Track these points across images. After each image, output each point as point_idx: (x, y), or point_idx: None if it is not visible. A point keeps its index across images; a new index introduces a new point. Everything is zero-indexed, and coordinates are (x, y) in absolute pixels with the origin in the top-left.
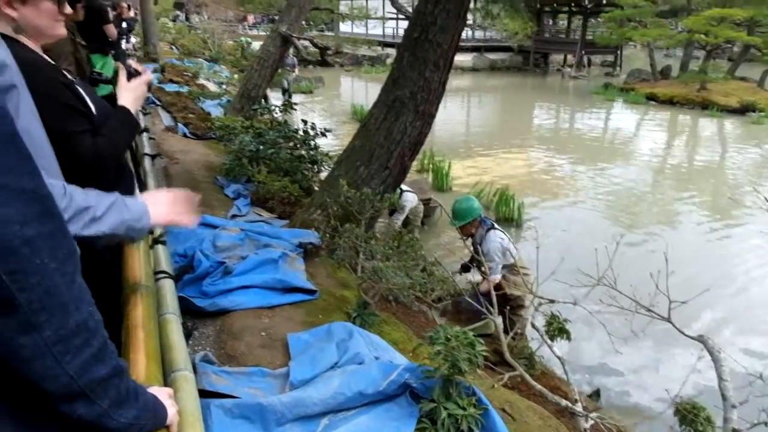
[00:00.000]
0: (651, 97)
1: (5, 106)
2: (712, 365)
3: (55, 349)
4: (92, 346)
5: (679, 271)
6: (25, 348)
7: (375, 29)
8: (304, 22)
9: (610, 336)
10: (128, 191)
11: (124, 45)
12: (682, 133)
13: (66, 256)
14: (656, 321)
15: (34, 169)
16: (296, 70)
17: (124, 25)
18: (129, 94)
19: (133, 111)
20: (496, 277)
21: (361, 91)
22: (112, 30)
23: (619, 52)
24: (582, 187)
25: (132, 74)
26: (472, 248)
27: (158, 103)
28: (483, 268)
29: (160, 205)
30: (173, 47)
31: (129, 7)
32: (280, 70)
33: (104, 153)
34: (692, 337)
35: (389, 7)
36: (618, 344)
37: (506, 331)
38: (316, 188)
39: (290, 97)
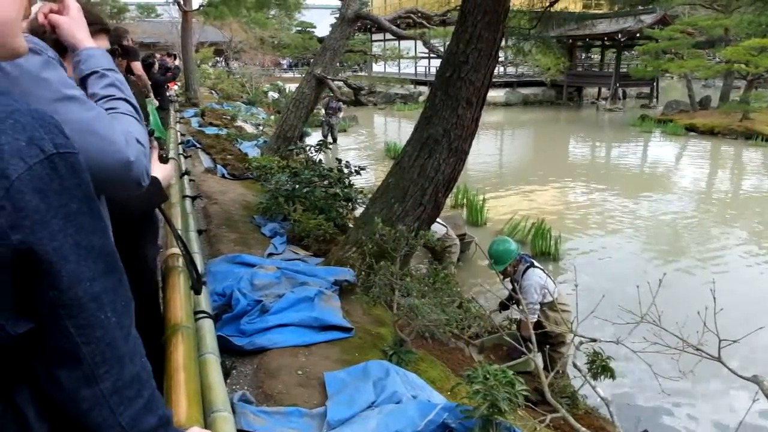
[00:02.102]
0: (690, 128)
1: (85, 170)
2: (767, 407)
3: (112, 400)
4: (143, 397)
5: (729, 307)
6: (86, 400)
7: (407, 68)
8: (338, 64)
9: (656, 376)
10: (153, 237)
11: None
12: (725, 163)
13: (124, 309)
14: (706, 361)
15: (105, 228)
16: (341, 114)
17: (169, 73)
18: (159, 170)
19: (162, 183)
20: (533, 318)
21: (394, 128)
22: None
23: (655, 83)
24: (621, 219)
25: (163, 158)
26: (510, 286)
27: (198, 145)
28: (521, 306)
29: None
30: (213, 92)
31: (175, 57)
32: (323, 115)
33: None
34: (746, 378)
35: (421, 47)
36: (665, 384)
37: (547, 369)
38: (351, 226)
39: (335, 141)
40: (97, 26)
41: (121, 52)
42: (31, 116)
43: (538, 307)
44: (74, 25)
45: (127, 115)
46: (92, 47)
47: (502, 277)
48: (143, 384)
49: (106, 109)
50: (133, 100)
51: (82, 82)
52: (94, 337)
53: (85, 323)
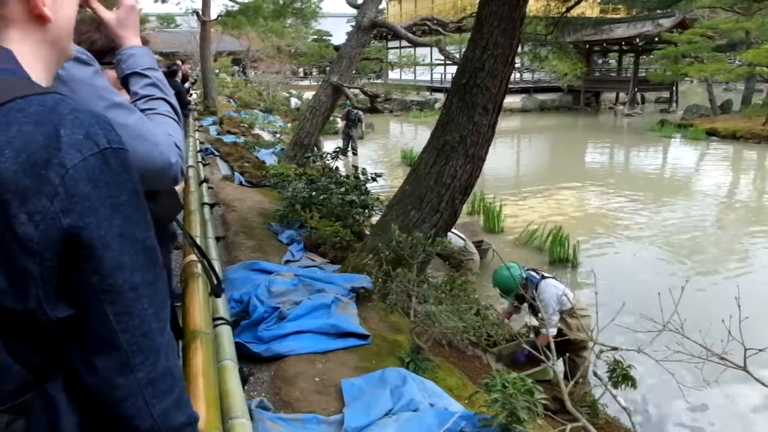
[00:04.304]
0: (712, 133)
1: (133, 167)
2: None
3: (146, 391)
4: (174, 393)
5: (754, 315)
6: (120, 388)
7: (423, 75)
8: (354, 72)
9: (679, 385)
10: (169, 244)
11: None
12: (748, 168)
13: (162, 304)
14: (730, 370)
15: (148, 222)
16: (362, 125)
17: (187, 84)
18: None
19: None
20: (552, 332)
21: (410, 135)
22: None
23: (674, 88)
24: (641, 225)
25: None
26: (528, 300)
27: (216, 153)
28: (540, 315)
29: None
30: (231, 100)
31: (183, 62)
32: (340, 124)
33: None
34: None
35: (437, 54)
36: (688, 394)
37: (567, 377)
38: (368, 233)
39: (355, 153)
40: None
41: None
42: (89, 114)
43: (557, 317)
44: (120, 23)
45: (166, 115)
46: (135, 45)
47: (516, 303)
48: (175, 380)
49: (147, 109)
50: (173, 100)
51: (124, 81)
52: (132, 325)
53: (123, 311)
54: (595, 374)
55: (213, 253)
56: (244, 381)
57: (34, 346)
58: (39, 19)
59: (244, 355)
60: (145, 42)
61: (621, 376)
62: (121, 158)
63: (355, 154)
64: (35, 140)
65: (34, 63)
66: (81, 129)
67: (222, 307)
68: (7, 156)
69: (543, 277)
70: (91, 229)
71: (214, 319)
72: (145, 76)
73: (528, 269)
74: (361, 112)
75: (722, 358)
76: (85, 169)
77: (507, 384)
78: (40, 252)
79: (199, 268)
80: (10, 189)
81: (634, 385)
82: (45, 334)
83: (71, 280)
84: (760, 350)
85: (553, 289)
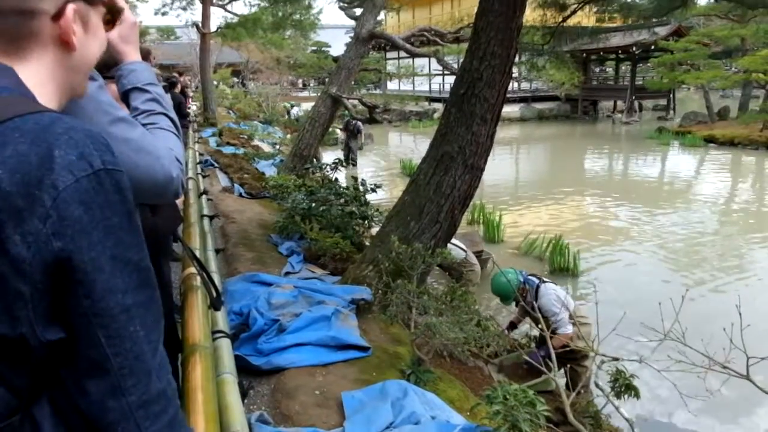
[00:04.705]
0: (710, 140)
1: (128, 188)
2: None
3: (138, 414)
4: (168, 414)
5: (756, 323)
6: (112, 412)
7: (422, 85)
8: (353, 82)
9: (681, 395)
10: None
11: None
12: (747, 174)
13: (153, 325)
14: (733, 379)
15: (141, 243)
16: (361, 136)
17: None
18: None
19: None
20: (569, 329)
21: (409, 145)
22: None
23: (671, 95)
24: (641, 233)
25: None
26: (526, 311)
27: (216, 165)
28: (540, 326)
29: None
30: (230, 111)
31: (180, 74)
32: (340, 135)
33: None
34: None
35: (435, 65)
36: (691, 404)
37: (569, 387)
38: (368, 244)
39: (354, 164)
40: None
41: None
42: (84, 134)
43: (566, 315)
44: (122, 39)
45: (167, 130)
46: (135, 61)
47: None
48: (169, 401)
49: (147, 124)
50: (173, 114)
51: (125, 96)
52: (123, 348)
53: (115, 334)
54: (597, 385)
55: (212, 265)
56: (244, 395)
57: (21, 370)
58: (65, 45)
59: (243, 368)
60: (147, 53)
61: (624, 387)
62: (115, 179)
63: (354, 165)
64: (29, 160)
65: (48, 85)
66: (75, 149)
67: (221, 320)
68: (2, 176)
69: (542, 282)
70: (83, 253)
71: (214, 332)
72: (146, 91)
73: (527, 274)
74: (360, 123)
75: (725, 367)
76: (77, 191)
77: (509, 395)
78: (31, 274)
79: (198, 280)
80: (5, 209)
81: (637, 396)
82: (33, 358)
83: (62, 302)
84: (763, 358)
85: (552, 292)
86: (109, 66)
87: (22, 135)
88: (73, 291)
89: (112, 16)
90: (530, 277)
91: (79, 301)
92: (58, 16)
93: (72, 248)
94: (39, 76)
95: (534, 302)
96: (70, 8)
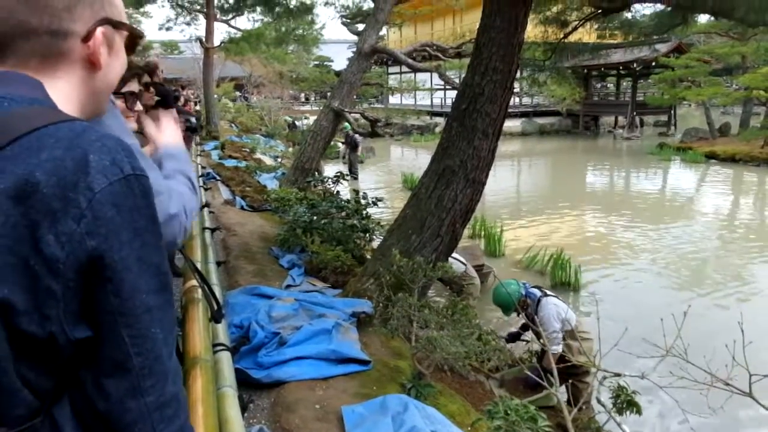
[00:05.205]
0: (711, 156)
1: (151, 192)
2: None
3: (154, 416)
4: (180, 419)
5: (759, 340)
6: (130, 412)
7: (423, 100)
8: (355, 97)
9: (684, 412)
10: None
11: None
12: (748, 191)
13: (170, 329)
14: (736, 396)
15: (162, 248)
16: (359, 150)
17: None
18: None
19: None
20: (557, 349)
21: (411, 159)
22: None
23: (672, 111)
24: (643, 248)
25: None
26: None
27: (218, 178)
28: (542, 340)
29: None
30: (233, 125)
31: (196, 104)
32: (341, 148)
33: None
34: None
35: (437, 79)
36: (693, 421)
37: (570, 403)
38: (369, 257)
39: (356, 177)
40: (131, 71)
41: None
42: (114, 141)
43: (561, 336)
44: (157, 128)
45: (183, 185)
46: (169, 144)
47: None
48: (180, 406)
49: (168, 176)
50: (193, 176)
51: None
52: (145, 348)
53: (138, 334)
54: (599, 401)
55: (214, 278)
56: (244, 408)
57: (47, 371)
58: (91, 66)
59: (243, 382)
60: (154, 68)
61: (625, 403)
62: (142, 184)
63: (355, 178)
64: (65, 164)
65: (74, 101)
66: (108, 155)
67: (222, 332)
68: (39, 178)
69: (545, 295)
70: (114, 252)
71: (214, 345)
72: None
73: (531, 287)
74: (358, 136)
75: (727, 384)
76: (110, 194)
77: (510, 411)
78: (64, 273)
79: (199, 293)
80: (41, 211)
81: (639, 412)
82: (59, 358)
83: (91, 301)
84: (766, 376)
85: (553, 307)
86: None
87: (57, 141)
88: (103, 289)
89: (133, 42)
90: (533, 290)
91: (107, 298)
92: (87, 37)
93: (105, 247)
94: (65, 93)
95: (534, 315)
96: (100, 31)
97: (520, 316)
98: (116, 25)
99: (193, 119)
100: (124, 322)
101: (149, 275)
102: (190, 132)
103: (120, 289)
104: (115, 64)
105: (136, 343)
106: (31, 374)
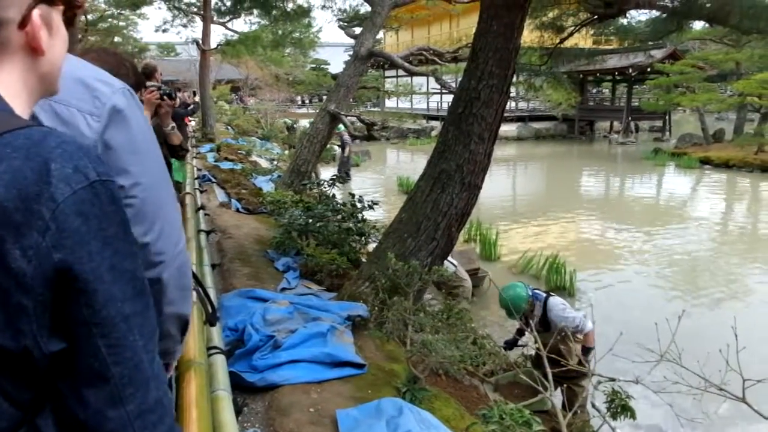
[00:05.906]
0: (705, 161)
1: (122, 198)
2: None
3: (136, 423)
4: (165, 424)
5: (752, 345)
6: (111, 421)
7: (419, 104)
8: (351, 100)
9: (678, 417)
10: None
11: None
12: (742, 197)
13: (150, 334)
14: (729, 401)
15: (136, 253)
16: (347, 149)
17: (189, 108)
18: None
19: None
20: (589, 326)
21: (407, 163)
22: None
23: (667, 117)
24: (637, 253)
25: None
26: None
27: (214, 180)
28: (537, 344)
29: None
30: (229, 127)
31: (194, 93)
32: (338, 151)
33: None
34: None
35: (433, 83)
36: (687, 426)
37: (565, 407)
38: (364, 260)
39: (348, 177)
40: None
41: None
42: (76, 146)
43: (580, 314)
44: None
45: None
46: None
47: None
48: (165, 411)
49: None
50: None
51: None
52: (123, 357)
53: (115, 343)
54: (593, 405)
55: (208, 280)
56: (238, 411)
57: (24, 384)
58: (33, 51)
59: (237, 385)
60: (153, 70)
61: (620, 407)
62: (109, 190)
63: (342, 181)
64: (25, 175)
65: (21, 92)
66: (70, 162)
67: (216, 335)
68: None
69: (550, 295)
70: (83, 263)
71: (209, 348)
72: None
73: (533, 289)
74: (346, 136)
75: (721, 389)
76: (75, 203)
77: (505, 415)
78: (33, 287)
79: (194, 296)
80: (4, 225)
81: (633, 416)
82: (35, 371)
83: (63, 313)
84: (759, 381)
85: (561, 303)
86: (136, 89)
87: (15, 150)
88: (74, 301)
89: (72, 13)
90: (537, 292)
91: (79, 310)
92: (24, 23)
93: (72, 259)
94: (12, 87)
95: (539, 316)
96: (36, 13)
97: (517, 320)
98: (51, 1)
99: (166, 87)
100: (99, 333)
101: (123, 282)
102: (168, 98)
103: (93, 300)
104: (57, 43)
105: (114, 353)
106: (9, 386)
